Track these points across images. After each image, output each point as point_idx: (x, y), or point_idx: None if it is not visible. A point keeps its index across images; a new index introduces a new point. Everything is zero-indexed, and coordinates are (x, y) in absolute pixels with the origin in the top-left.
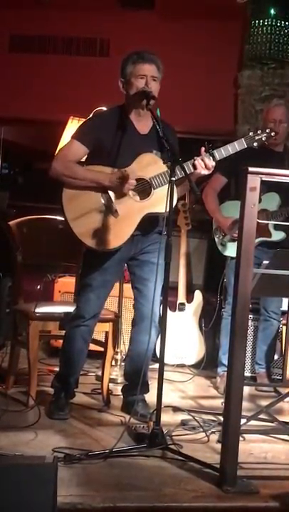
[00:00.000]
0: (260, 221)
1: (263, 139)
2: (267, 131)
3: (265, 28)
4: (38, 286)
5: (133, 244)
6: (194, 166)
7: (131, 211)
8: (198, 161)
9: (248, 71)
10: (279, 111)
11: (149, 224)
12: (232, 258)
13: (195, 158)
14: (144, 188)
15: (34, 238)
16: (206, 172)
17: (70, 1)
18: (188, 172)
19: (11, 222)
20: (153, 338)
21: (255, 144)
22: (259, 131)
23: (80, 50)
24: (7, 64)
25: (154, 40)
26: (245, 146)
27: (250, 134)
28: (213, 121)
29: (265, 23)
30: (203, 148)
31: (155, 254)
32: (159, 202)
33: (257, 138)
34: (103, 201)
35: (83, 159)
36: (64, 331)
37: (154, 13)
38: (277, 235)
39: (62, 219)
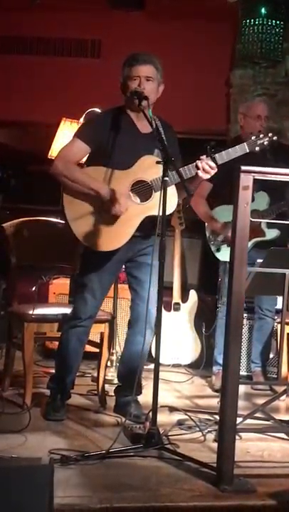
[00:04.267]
0: (252, 220)
1: (265, 143)
2: (269, 135)
3: (256, 28)
4: (33, 288)
5: (131, 246)
6: (197, 168)
7: (131, 213)
8: (201, 164)
9: (240, 70)
10: (263, 107)
11: (148, 226)
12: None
13: (198, 161)
14: (145, 191)
15: (28, 240)
16: (206, 176)
17: (60, 2)
18: (188, 175)
19: (4, 224)
20: (148, 339)
21: (257, 149)
22: (261, 136)
23: (71, 52)
24: None
25: (145, 41)
26: (247, 151)
27: (253, 138)
28: (205, 121)
29: (256, 23)
30: (204, 156)
31: (150, 257)
32: (159, 205)
33: (259, 142)
34: (102, 203)
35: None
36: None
37: (145, 14)
38: (271, 234)
39: (60, 221)
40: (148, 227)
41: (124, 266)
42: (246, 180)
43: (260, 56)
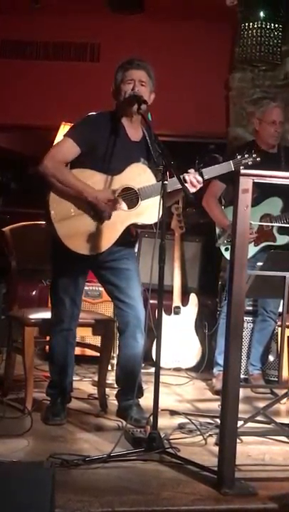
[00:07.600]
0: (263, 224)
1: (249, 163)
2: (253, 156)
3: (255, 31)
4: (33, 292)
5: None
6: (185, 181)
7: (117, 219)
8: (189, 177)
9: (239, 73)
10: (279, 112)
11: (129, 233)
12: None
13: (185, 174)
14: (132, 198)
15: (28, 244)
16: (192, 189)
17: (60, 6)
18: (175, 186)
19: (4, 229)
20: (141, 343)
21: (241, 168)
22: (246, 155)
23: (71, 56)
24: None
25: (145, 44)
26: (233, 169)
27: (238, 157)
28: (205, 124)
29: (255, 26)
30: (192, 169)
31: (127, 261)
32: (144, 213)
33: (244, 162)
34: (90, 206)
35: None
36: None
37: (144, 17)
38: (282, 239)
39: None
40: (129, 234)
41: (97, 274)
42: (246, 184)
43: (259, 59)
